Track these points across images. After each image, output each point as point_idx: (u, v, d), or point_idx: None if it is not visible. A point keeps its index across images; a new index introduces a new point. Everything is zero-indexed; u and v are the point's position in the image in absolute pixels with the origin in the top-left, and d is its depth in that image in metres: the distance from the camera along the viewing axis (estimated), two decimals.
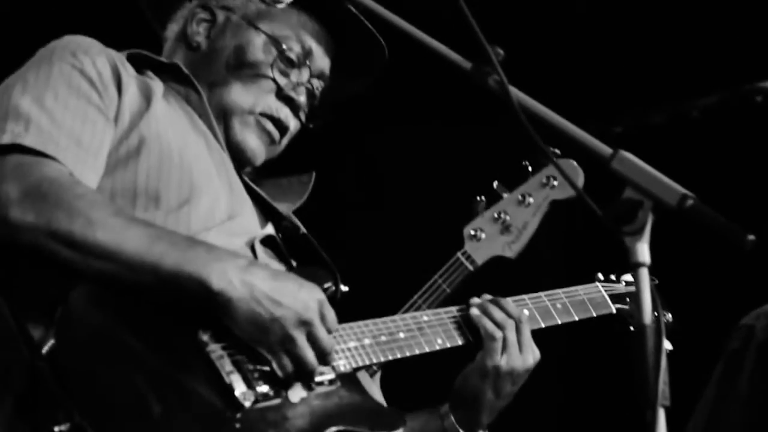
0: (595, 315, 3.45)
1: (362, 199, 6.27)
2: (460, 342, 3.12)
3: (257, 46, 3.07)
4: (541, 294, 3.35)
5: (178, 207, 2.75)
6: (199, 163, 2.85)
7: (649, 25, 5.96)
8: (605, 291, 3.51)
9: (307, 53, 3.11)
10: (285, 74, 3.08)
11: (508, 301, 3.19)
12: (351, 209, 6.12)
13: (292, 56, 3.09)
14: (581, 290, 3.45)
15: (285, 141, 3.14)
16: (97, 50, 2.84)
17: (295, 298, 2.62)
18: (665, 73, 5.95)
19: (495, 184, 3.44)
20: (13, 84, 2.75)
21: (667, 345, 3.45)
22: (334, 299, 2.91)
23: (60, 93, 2.73)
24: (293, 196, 3.20)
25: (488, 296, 3.22)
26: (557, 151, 3.02)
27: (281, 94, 3.07)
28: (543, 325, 3.29)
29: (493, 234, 3.39)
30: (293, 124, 3.11)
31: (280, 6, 3.05)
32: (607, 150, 2.32)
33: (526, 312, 3.22)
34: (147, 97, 2.85)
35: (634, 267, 2.22)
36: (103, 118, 2.75)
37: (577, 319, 3.39)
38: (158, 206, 2.74)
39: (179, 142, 2.83)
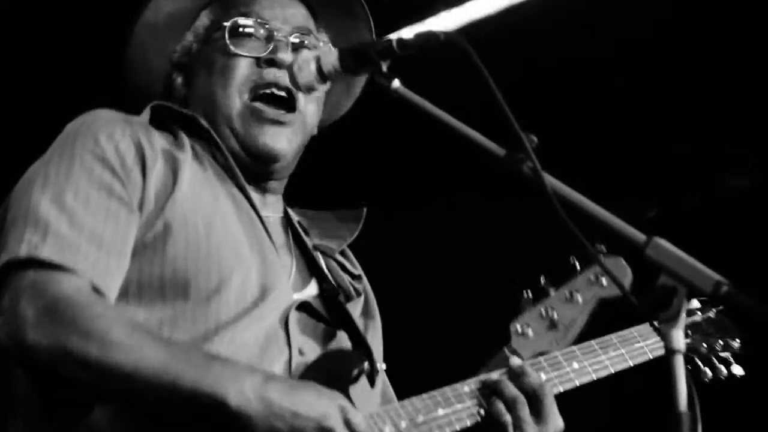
0: (651, 357, 3.37)
1: (408, 287, 6.28)
2: (478, 419, 3.03)
3: (217, 50, 3.04)
4: (593, 342, 3.29)
5: (207, 298, 2.73)
6: (228, 242, 2.81)
7: (681, 110, 5.99)
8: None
9: (258, 16, 3.05)
10: (252, 47, 3.03)
11: (527, 372, 3.08)
12: (399, 297, 6.14)
13: (247, 29, 3.04)
14: (635, 332, 3.37)
15: (303, 102, 3.04)
16: (120, 131, 2.81)
17: (314, 408, 2.58)
18: (697, 156, 5.98)
19: (542, 280, 3.45)
20: (35, 178, 2.74)
21: (738, 370, 3.43)
22: (371, 378, 2.91)
23: (81, 188, 2.72)
24: (345, 231, 3.18)
25: (516, 361, 3.13)
26: (603, 247, 3.04)
27: (260, 62, 3.02)
28: (595, 377, 3.23)
29: (541, 330, 3.39)
30: (285, 81, 2.98)
31: None
32: (641, 237, 2.33)
33: (543, 376, 3.11)
34: (174, 173, 2.82)
35: (669, 354, 2.23)
36: (126, 210, 2.73)
37: (632, 365, 3.32)
38: (186, 298, 2.72)
39: (207, 221, 2.80)
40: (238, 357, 2.69)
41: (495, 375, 3.06)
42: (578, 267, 3.44)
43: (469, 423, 2.96)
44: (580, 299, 3.38)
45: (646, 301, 2.24)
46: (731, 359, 3.47)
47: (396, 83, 2.68)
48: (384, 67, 2.71)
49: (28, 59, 5.86)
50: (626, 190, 5.66)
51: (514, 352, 3.28)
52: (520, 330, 3.29)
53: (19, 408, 2.70)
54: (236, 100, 2.99)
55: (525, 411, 2.99)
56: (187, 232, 2.76)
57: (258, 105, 3.00)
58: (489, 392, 3.01)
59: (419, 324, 6.17)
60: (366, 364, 2.89)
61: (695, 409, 2.16)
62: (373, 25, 3.24)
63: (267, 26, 3.03)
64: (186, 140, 2.94)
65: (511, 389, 3.01)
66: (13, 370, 2.73)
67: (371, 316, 3.14)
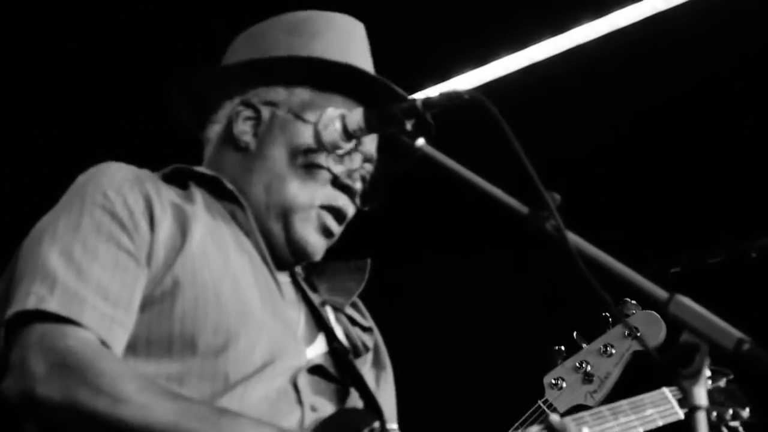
0: (661, 424, 3.38)
1: (442, 341, 6.29)
2: None
3: (308, 139, 2.98)
4: (603, 408, 3.29)
5: (215, 355, 2.72)
6: (238, 299, 2.79)
7: (706, 167, 6.00)
8: (672, 395, 3.45)
9: (358, 141, 3.02)
10: (338, 162, 3.02)
11: (568, 429, 3.06)
12: (432, 352, 6.15)
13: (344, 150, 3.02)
14: (647, 399, 3.38)
15: (341, 228, 3.08)
16: (129, 185, 2.80)
17: None
18: (723, 213, 5.97)
19: (575, 334, 3.47)
20: (44, 231, 2.74)
21: None
22: None
23: (89, 241, 2.71)
24: (352, 283, 3.16)
25: (556, 418, 3.08)
26: (635, 303, 3.06)
27: (338, 183, 3.02)
28: None
29: (575, 383, 3.40)
30: (351, 211, 3.05)
31: (346, 148, 3.02)
32: (663, 294, 2.34)
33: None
34: (183, 230, 2.80)
35: (691, 410, 2.24)
36: (134, 264, 2.72)
37: (641, 431, 3.33)
38: (194, 353, 2.71)
39: (217, 278, 2.78)
40: (249, 414, 2.67)
41: (534, 429, 3.06)
42: (611, 320, 3.46)
43: None
44: (614, 352, 3.39)
45: (668, 357, 2.25)
46: (740, 428, 3.46)
47: (420, 141, 2.72)
48: (409, 126, 2.74)
49: (47, 108, 5.94)
50: (650, 247, 5.65)
51: (549, 405, 3.29)
52: (554, 382, 3.30)
53: None
54: (307, 200, 2.99)
55: None
56: (195, 288, 2.75)
57: (324, 213, 3.01)
58: None
59: (453, 379, 6.17)
60: (377, 424, 2.87)
61: None
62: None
63: (360, 154, 3.06)
64: (198, 195, 2.93)
65: None
66: (21, 422, 2.71)
67: (382, 367, 3.12)
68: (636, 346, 3.45)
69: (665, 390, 3.44)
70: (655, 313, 3.17)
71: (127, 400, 2.53)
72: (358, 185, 3.04)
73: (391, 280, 3.27)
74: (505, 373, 5.46)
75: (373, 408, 2.92)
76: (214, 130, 3.12)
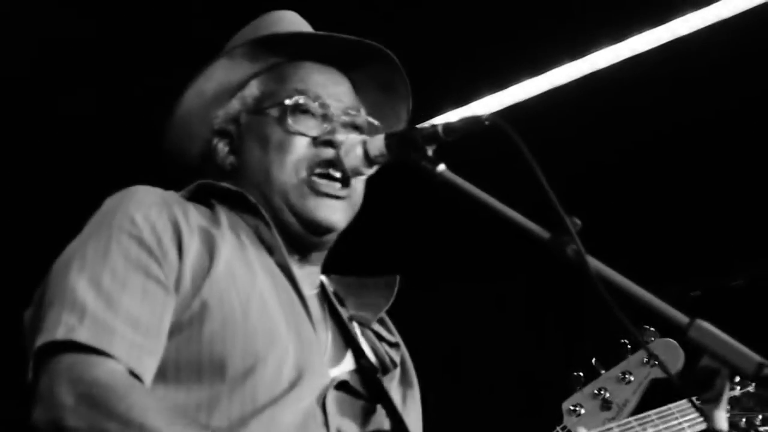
0: None
1: (458, 366, 6.30)
2: None
3: (271, 123, 3.01)
4: (631, 420, 3.31)
5: (243, 378, 2.72)
6: (265, 321, 2.80)
7: (727, 189, 6.00)
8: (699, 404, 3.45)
9: (318, 96, 3.04)
10: (310, 126, 3.01)
11: None
12: (450, 377, 6.15)
13: (304, 106, 3.03)
14: (674, 408, 3.38)
15: (355, 179, 3.03)
16: (157, 210, 2.81)
17: None
18: (743, 236, 5.97)
19: (593, 360, 3.48)
20: (72, 259, 2.75)
21: None
22: None
23: (118, 269, 2.72)
24: (380, 299, 3.16)
25: None
26: (654, 330, 3.07)
27: (317, 142, 3.00)
28: None
29: (593, 410, 3.41)
30: (342, 164, 2.99)
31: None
32: (684, 319, 2.35)
33: None
34: (210, 253, 2.80)
35: None
36: (163, 291, 2.73)
37: None
38: (223, 379, 2.72)
39: (244, 300, 2.78)
40: None
41: None
42: (629, 347, 3.47)
43: None
44: (633, 379, 3.40)
45: (689, 382, 2.26)
46: None
47: (441, 167, 2.73)
48: (430, 152, 2.75)
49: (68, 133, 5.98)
50: (670, 272, 5.66)
51: None
52: (572, 409, 3.31)
53: None
54: (293, 177, 2.98)
55: None
56: (223, 311, 2.75)
57: (315, 179, 2.98)
58: None
59: (472, 403, 6.17)
60: None
61: None
62: (410, 104, 3.27)
63: (323, 105, 3.03)
64: (223, 215, 2.94)
65: None
66: None
67: (409, 384, 3.12)
68: (655, 374, 3.45)
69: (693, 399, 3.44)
70: (673, 340, 3.18)
71: None
72: (339, 136, 2.99)
73: (411, 303, 3.27)
74: (523, 399, 5.47)
75: (399, 428, 2.93)
76: (209, 168, 3.12)
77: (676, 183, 6.11)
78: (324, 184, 2.99)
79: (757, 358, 2.25)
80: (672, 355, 3.23)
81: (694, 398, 2.96)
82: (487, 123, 2.69)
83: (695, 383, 2.29)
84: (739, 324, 2.49)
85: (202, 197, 2.98)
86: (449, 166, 2.73)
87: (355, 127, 3.06)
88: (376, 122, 3.14)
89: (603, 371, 3.43)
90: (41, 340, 2.64)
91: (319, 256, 3.10)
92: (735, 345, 2.29)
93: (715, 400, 2.27)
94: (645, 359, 3.40)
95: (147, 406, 2.58)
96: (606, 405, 3.35)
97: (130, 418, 2.54)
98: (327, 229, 3.02)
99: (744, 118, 5.83)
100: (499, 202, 2.63)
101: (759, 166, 5.93)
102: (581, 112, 5.95)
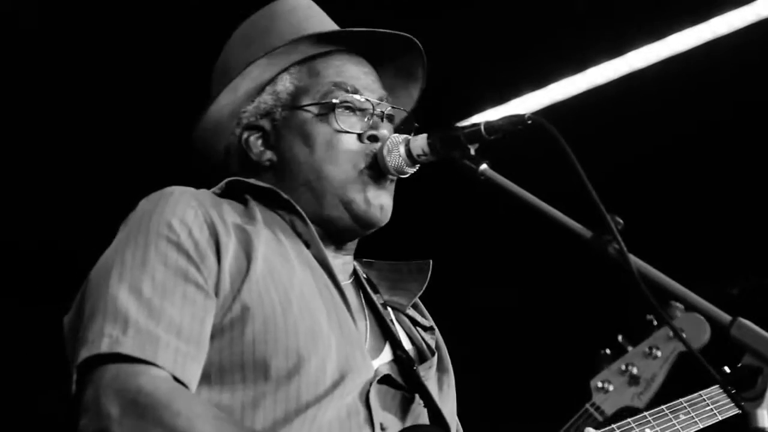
0: (720, 419, 3.40)
1: (487, 346, 6.30)
2: None
3: (315, 121, 3.01)
4: (663, 407, 3.33)
5: (287, 377, 2.72)
6: (306, 317, 2.80)
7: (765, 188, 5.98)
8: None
9: (356, 90, 3.04)
10: (353, 122, 3.02)
11: None
12: (480, 357, 6.15)
13: (348, 103, 3.03)
14: (704, 395, 3.40)
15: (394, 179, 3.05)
16: (193, 213, 2.81)
17: None
18: None
19: (620, 337, 3.49)
20: (111, 267, 2.74)
21: None
22: None
23: (157, 276, 2.72)
24: (413, 284, 3.16)
25: (592, 431, 3.17)
26: (680, 305, 3.06)
27: (363, 138, 3.01)
28: None
29: (621, 385, 3.43)
30: (385, 162, 2.99)
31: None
32: (726, 318, 2.36)
33: None
34: (247, 253, 2.81)
35: None
36: (203, 296, 2.73)
37: (701, 427, 3.35)
38: (267, 378, 2.72)
39: (284, 298, 2.79)
40: None
41: None
42: (655, 323, 3.48)
43: None
44: (659, 354, 3.41)
45: (730, 380, 2.27)
46: None
47: (484, 166, 2.74)
48: (472, 151, 2.77)
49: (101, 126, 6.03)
50: (711, 269, 5.65)
51: (597, 408, 3.32)
52: (600, 386, 3.33)
53: None
54: (350, 171, 2.98)
55: None
56: (264, 312, 2.75)
57: (365, 177, 2.99)
58: None
59: (502, 384, 6.17)
60: None
61: None
62: (424, 86, 3.26)
63: (362, 99, 3.04)
64: (257, 210, 2.94)
65: None
66: None
67: (445, 370, 3.12)
68: (681, 348, 3.47)
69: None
70: (698, 314, 3.18)
71: None
72: (383, 131, 3.01)
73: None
74: (554, 378, 5.46)
75: (438, 420, 2.94)
76: (234, 164, 3.11)
77: (716, 180, 6.09)
78: (375, 176, 3.00)
79: None
80: (697, 329, 3.24)
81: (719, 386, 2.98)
82: (529, 122, 2.70)
83: (737, 381, 2.30)
84: None
85: (236, 193, 2.99)
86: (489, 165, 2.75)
87: (389, 117, 3.07)
88: (403, 110, 3.15)
89: (630, 347, 3.45)
90: (85, 353, 2.64)
91: (354, 245, 3.11)
92: None
93: (758, 399, 2.27)
94: (671, 334, 3.42)
95: (194, 413, 2.58)
96: (634, 380, 3.37)
97: (177, 425, 2.55)
98: (381, 220, 3.02)
99: None
100: (541, 201, 2.65)
101: None
102: (621, 111, 5.94)
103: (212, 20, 4.32)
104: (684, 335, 3.37)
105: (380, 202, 3.00)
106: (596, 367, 3.51)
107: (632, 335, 3.54)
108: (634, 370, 3.42)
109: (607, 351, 3.50)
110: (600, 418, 3.40)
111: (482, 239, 6.62)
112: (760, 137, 5.97)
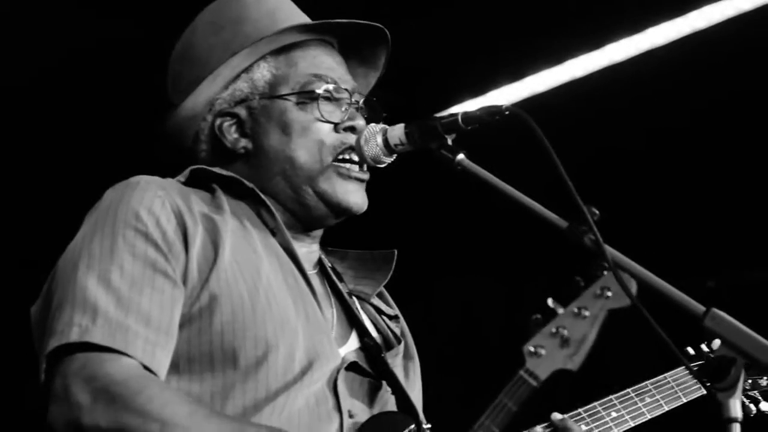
0: (685, 401, 3.41)
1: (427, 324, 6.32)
2: None
3: (294, 111, 3.02)
4: (629, 390, 3.34)
5: (256, 366, 2.74)
6: (273, 306, 2.81)
7: (743, 181, 6.01)
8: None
9: (334, 81, 3.06)
10: (331, 112, 3.03)
11: (569, 426, 3.15)
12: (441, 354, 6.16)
13: (328, 93, 3.04)
14: (669, 377, 3.41)
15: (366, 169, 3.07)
16: (160, 202, 2.80)
17: None
18: (760, 232, 5.98)
19: (549, 301, 3.52)
20: (79, 257, 2.74)
21: (767, 407, 3.43)
22: None
23: (125, 266, 2.72)
24: (378, 273, 3.18)
25: (557, 416, 3.18)
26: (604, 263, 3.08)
27: (339, 128, 3.03)
28: (632, 425, 3.27)
29: (553, 349, 3.44)
30: (362, 152, 3.01)
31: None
32: (700, 308, 2.38)
33: (584, 428, 3.18)
34: (215, 242, 2.82)
35: (726, 423, 2.27)
36: (171, 285, 2.74)
37: (667, 409, 3.36)
38: (236, 367, 2.74)
39: (251, 287, 2.80)
40: (290, 426, 2.71)
41: (538, 429, 3.14)
42: (583, 284, 3.50)
43: None
44: (588, 314, 3.43)
45: (703, 370, 2.29)
46: (759, 397, 3.47)
47: (461, 156, 2.75)
48: (449, 141, 2.78)
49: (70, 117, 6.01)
50: (686, 262, 5.67)
51: (531, 374, 3.33)
52: (533, 351, 3.35)
53: None
54: (320, 162, 3.00)
55: None
56: (232, 301, 2.76)
57: (340, 164, 3.01)
58: None
59: (461, 372, 6.19)
60: (413, 426, 2.92)
61: None
62: (380, 76, 3.28)
63: (339, 90, 3.06)
64: (224, 198, 2.95)
65: None
66: None
67: (410, 357, 3.15)
68: (609, 305, 3.48)
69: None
70: (625, 273, 3.19)
71: (177, 425, 2.55)
72: (359, 121, 3.03)
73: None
74: (487, 347, 5.49)
75: (406, 406, 2.96)
76: (203, 150, 3.10)
77: (692, 175, 6.12)
78: (348, 168, 3.02)
79: None
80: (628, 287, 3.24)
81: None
82: (507, 112, 2.71)
83: (711, 372, 2.31)
84: (754, 317, 2.50)
85: (201, 182, 2.99)
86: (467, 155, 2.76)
87: (360, 108, 3.09)
88: (374, 100, 3.16)
89: (560, 310, 3.47)
90: (55, 343, 2.64)
91: (320, 233, 3.12)
92: (750, 334, 2.31)
93: (730, 389, 2.29)
94: (598, 292, 3.44)
95: (166, 398, 2.59)
96: (565, 342, 3.39)
97: (149, 410, 2.56)
98: (353, 213, 3.04)
99: (764, 108, 5.84)
100: (517, 191, 2.65)
101: None
102: (598, 105, 5.96)
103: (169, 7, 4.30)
104: (610, 294, 3.40)
105: (354, 192, 3.02)
106: (529, 332, 3.54)
107: (562, 297, 3.57)
108: (565, 332, 3.43)
109: (538, 316, 3.52)
110: (534, 383, 3.41)
111: (447, 229, 6.63)
112: (738, 131, 6.00)
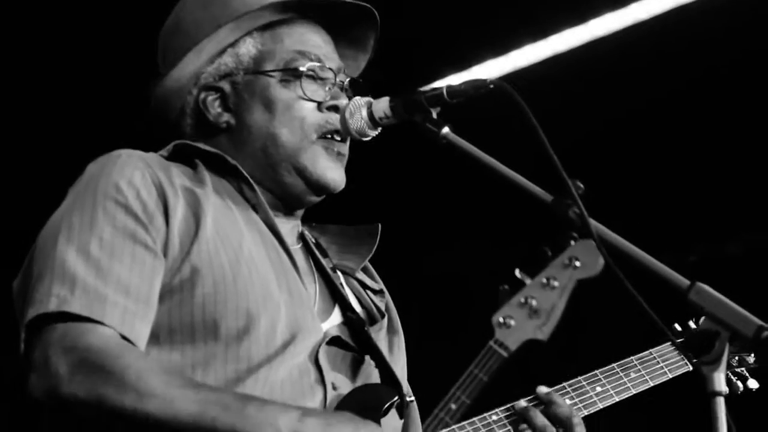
0: (671, 377, 3.41)
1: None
2: None
3: (277, 87, 3.03)
4: (614, 366, 3.34)
5: (238, 338, 2.75)
6: (255, 279, 2.82)
7: (727, 156, 6.02)
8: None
9: (319, 59, 3.06)
10: (315, 90, 3.04)
11: (555, 401, 3.14)
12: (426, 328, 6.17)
13: (311, 71, 3.04)
14: (655, 353, 3.41)
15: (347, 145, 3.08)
16: (140, 175, 2.81)
17: None
18: (742, 204, 5.99)
19: (517, 271, 3.51)
20: (59, 229, 2.75)
21: (754, 384, 3.43)
22: (400, 410, 2.95)
23: (105, 237, 2.72)
24: (362, 248, 3.19)
25: (543, 389, 3.19)
26: (573, 233, 3.08)
27: (323, 107, 3.03)
28: (617, 399, 3.26)
29: (522, 319, 3.45)
30: (347, 125, 2.99)
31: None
32: (684, 282, 2.38)
33: (567, 402, 3.17)
34: (196, 216, 2.82)
35: (710, 396, 2.28)
36: (151, 256, 2.74)
37: (652, 385, 3.37)
38: (217, 338, 2.75)
39: (233, 260, 2.81)
40: (273, 397, 2.72)
41: (523, 403, 3.13)
42: (550, 254, 3.49)
43: None
44: (557, 284, 3.43)
45: (688, 344, 2.29)
46: (747, 374, 3.48)
47: (446, 129, 2.75)
48: (434, 114, 2.78)
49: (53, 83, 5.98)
50: (671, 236, 5.69)
51: (501, 345, 3.34)
52: (502, 321, 3.36)
53: None
54: (303, 140, 3.00)
55: None
56: (213, 273, 2.77)
57: (322, 142, 3.02)
58: (518, 420, 3.08)
59: (450, 347, 6.19)
60: (396, 398, 2.92)
61: None
62: (372, 56, 3.27)
63: (324, 69, 3.06)
64: (206, 174, 2.95)
65: (540, 418, 3.10)
66: (43, 416, 2.77)
67: (395, 331, 3.15)
68: (578, 275, 3.49)
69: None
70: (592, 242, 3.20)
71: (153, 394, 2.56)
72: (343, 101, 3.03)
73: None
74: (456, 320, 5.49)
75: (390, 379, 2.97)
76: (187, 125, 3.10)
77: (679, 148, 6.13)
78: (330, 143, 3.02)
79: (756, 321, 2.28)
80: (592, 256, 3.25)
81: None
82: (491, 86, 2.72)
83: (695, 345, 2.32)
84: (737, 291, 2.51)
85: (184, 157, 2.99)
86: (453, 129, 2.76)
87: (345, 89, 3.08)
88: (360, 80, 3.16)
89: (527, 281, 3.46)
90: (33, 312, 2.65)
91: (302, 210, 3.13)
92: (735, 308, 2.32)
93: (715, 363, 2.30)
94: (566, 262, 3.44)
95: (143, 368, 2.60)
96: (534, 313, 3.40)
97: (125, 380, 2.57)
98: (332, 190, 3.05)
99: (742, 83, 5.85)
100: (502, 165, 2.66)
101: (760, 133, 5.95)
102: (582, 79, 5.96)
103: None
104: (578, 264, 3.41)
105: (334, 169, 3.02)
106: (498, 303, 3.53)
107: (529, 268, 3.56)
108: (534, 303, 3.45)
109: (506, 286, 3.52)
110: (505, 354, 3.43)
111: (432, 203, 6.63)
112: (718, 106, 6.01)
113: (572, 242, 3.45)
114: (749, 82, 5.87)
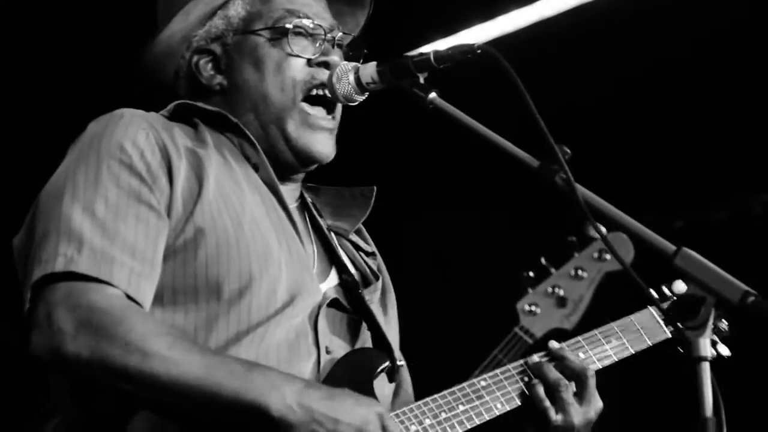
0: (651, 344, 3.38)
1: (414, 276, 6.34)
2: (518, 403, 3.06)
3: (266, 46, 3.05)
4: (596, 332, 3.30)
5: (239, 297, 2.77)
6: (257, 239, 2.84)
7: (711, 123, 6.03)
8: (658, 315, 3.42)
9: (308, 16, 3.07)
10: (305, 46, 3.05)
11: (568, 356, 3.11)
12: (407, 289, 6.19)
13: (300, 28, 3.05)
14: (634, 319, 3.38)
15: (339, 107, 3.09)
16: (144, 135, 2.82)
17: (354, 415, 2.64)
18: (727, 170, 6.01)
19: (542, 260, 3.51)
20: (64, 188, 2.75)
21: (725, 350, 3.43)
22: (390, 374, 2.98)
23: (110, 197, 2.74)
24: (356, 210, 3.21)
25: (555, 344, 3.15)
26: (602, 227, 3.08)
27: (312, 63, 3.04)
28: (600, 366, 3.25)
29: (549, 308, 3.46)
30: (334, 90, 3.02)
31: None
32: (670, 247, 2.39)
33: (591, 368, 3.13)
34: (199, 176, 2.84)
35: (695, 361, 2.29)
36: (156, 216, 2.76)
37: (633, 352, 3.34)
38: (220, 299, 2.76)
39: (235, 220, 2.83)
40: (268, 357, 2.74)
41: (536, 358, 3.10)
42: (578, 245, 3.49)
43: (487, 417, 3.00)
44: (585, 275, 3.44)
45: (673, 309, 2.30)
46: (718, 340, 3.49)
47: (433, 95, 2.75)
48: (421, 79, 2.78)
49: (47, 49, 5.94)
50: (655, 202, 5.70)
51: (527, 332, 3.35)
52: (528, 309, 3.36)
53: (57, 415, 2.75)
54: (291, 101, 3.01)
55: (569, 393, 3.02)
56: (217, 234, 2.79)
57: (309, 110, 3.02)
58: (527, 377, 3.06)
59: (422, 311, 6.20)
60: (387, 363, 2.95)
61: (721, 414, 2.22)
62: (371, 12, 3.27)
63: (315, 26, 3.06)
64: (207, 134, 2.97)
65: (554, 372, 3.05)
66: (51, 378, 2.79)
67: (387, 292, 3.18)
68: (607, 268, 3.49)
69: (651, 310, 3.42)
70: (622, 234, 3.19)
71: (158, 356, 2.58)
72: (333, 57, 3.04)
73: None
74: (478, 303, 5.49)
75: (381, 343, 2.99)
76: (183, 88, 3.12)
77: (664, 114, 6.13)
78: (318, 118, 3.03)
79: (742, 286, 2.29)
80: (622, 248, 3.24)
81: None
82: (478, 51, 2.72)
83: (680, 310, 2.32)
84: (721, 256, 2.51)
85: (184, 116, 3.00)
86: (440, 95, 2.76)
87: (339, 45, 3.09)
88: (352, 35, 3.17)
89: (554, 270, 3.46)
90: (40, 272, 2.65)
91: (301, 176, 3.14)
92: (721, 273, 2.32)
93: (700, 328, 2.31)
94: (596, 255, 3.44)
95: (149, 329, 2.62)
96: (561, 302, 3.40)
97: (130, 341, 2.58)
98: (317, 162, 3.07)
99: (738, 49, 5.84)
100: (489, 130, 2.66)
101: (744, 100, 5.95)
102: (569, 44, 5.94)
103: None
104: (608, 257, 3.40)
105: (321, 142, 3.04)
106: (521, 290, 3.54)
107: (555, 257, 3.57)
108: (561, 292, 3.45)
109: (531, 273, 3.52)
110: (530, 341, 3.44)
111: (427, 167, 6.63)
112: (706, 74, 6.00)
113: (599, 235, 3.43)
114: (735, 50, 5.86)
